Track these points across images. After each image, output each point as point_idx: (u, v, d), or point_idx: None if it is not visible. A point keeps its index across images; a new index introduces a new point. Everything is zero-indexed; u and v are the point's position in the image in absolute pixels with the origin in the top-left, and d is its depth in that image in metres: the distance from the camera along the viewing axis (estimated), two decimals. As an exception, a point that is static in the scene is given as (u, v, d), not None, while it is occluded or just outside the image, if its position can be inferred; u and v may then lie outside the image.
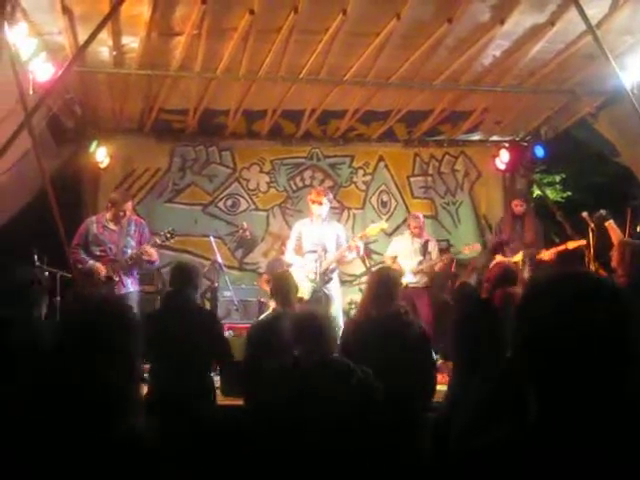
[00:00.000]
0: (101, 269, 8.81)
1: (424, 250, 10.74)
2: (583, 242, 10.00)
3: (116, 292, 8.73)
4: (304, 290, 8.95)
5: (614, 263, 7.89)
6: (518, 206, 10.70)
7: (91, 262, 8.84)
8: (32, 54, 7.58)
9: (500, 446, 1.86)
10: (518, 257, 10.23)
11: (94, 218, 9.35)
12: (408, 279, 10.42)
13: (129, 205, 9.30)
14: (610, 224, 9.02)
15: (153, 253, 8.95)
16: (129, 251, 9.01)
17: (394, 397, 5.01)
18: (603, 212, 9.30)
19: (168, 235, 9.20)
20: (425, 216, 11.51)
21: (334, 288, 9.49)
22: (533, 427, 1.86)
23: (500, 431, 1.92)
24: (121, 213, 9.08)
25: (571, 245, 10.02)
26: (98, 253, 8.96)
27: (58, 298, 9.49)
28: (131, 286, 9.03)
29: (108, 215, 9.18)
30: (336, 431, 4.38)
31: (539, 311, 1.91)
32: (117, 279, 8.86)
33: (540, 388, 1.88)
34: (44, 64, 7.77)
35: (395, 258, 10.72)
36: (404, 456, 5.29)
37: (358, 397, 4.52)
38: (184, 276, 6.78)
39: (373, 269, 10.11)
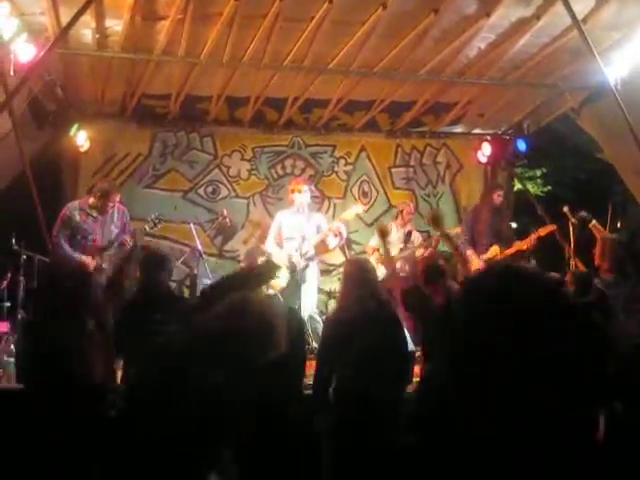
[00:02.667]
0: (89, 262, 8.70)
1: (407, 239, 10.73)
2: (553, 227, 10.01)
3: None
4: (281, 278, 8.95)
5: (597, 259, 7.94)
6: (500, 196, 10.70)
7: (77, 257, 8.71)
8: (14, 34, 7.49)
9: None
10: (493, 252, 10.21)
11: (76, 204, 9.19)
12: (389, 268, 10.46)
13: (118, 197, 9.22)
14: (594, 225, 9.04)
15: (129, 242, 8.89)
16: (112, 240, 8.93)
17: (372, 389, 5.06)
18: (584, 214, 9.32)
19: (156, 221, 9.12)
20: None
21: (310, 278, 9.51)
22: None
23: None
24: (110, 204, 8.99)
25: (542, 232, 10.01)
26: (82, 243, 8.84)
27: (35, 282, 9.43)
28: None
29: (92, 202, 9.05)
30: None
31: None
32: (105, 267, 8.73)
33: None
34: (26, 45, 7.66)
35: (377, 249, 10.71)
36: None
37: None
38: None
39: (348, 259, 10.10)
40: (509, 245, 10.22)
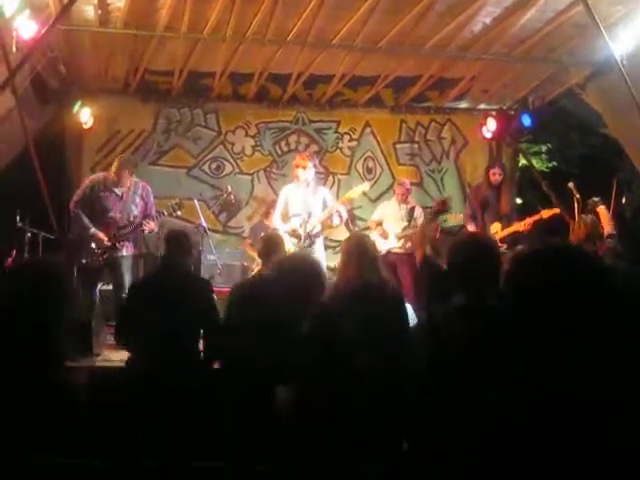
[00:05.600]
0: (103, 238, 8.54)
1: (410, 216, 10.68)
2: (557, 210, 9.98)
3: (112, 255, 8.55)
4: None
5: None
6: (496, 174, 10.58)
7: (93, 230, 8.49)
8: (16, 11, 7.45)
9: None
10: (494, 229, 10.19)
11: (101, 176, 8.90)
12: (392, 244, 10.44)
13: (132, 172, 8.90)
14: (601, 209, 9.02)
15: (153, 227, 8.74)
16: (131, 219, 8.73)
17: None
18: (595, 199, 9.29)
19: (175, 207, 8.96)
20: (410, 183, 11.44)
21: (317, 253, 9.46)
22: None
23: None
24: (125, 179, 8.68)
25: (545, 214, 9.97)
26: (99, 217, 8.58)
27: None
28: (124, 250, 8.70)
29: (110, 176, 8.78)
30: None
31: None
32: (119, 245, 8.60)
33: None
34: (28, 21, 7.63)
35: (380, 223, 10.68)
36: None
37: None
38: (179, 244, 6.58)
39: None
40: (510, 222, 10.20)
